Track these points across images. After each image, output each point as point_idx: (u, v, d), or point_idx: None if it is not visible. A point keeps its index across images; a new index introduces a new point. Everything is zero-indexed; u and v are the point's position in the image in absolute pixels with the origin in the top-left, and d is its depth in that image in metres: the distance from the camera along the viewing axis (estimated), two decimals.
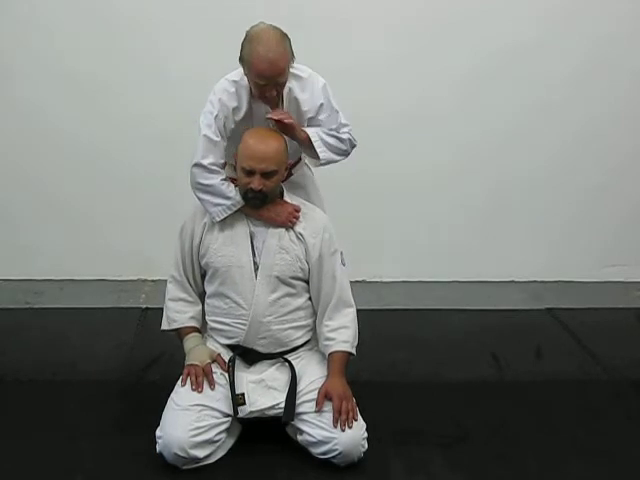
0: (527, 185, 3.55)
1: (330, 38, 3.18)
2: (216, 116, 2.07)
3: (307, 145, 2.14)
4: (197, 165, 2.09)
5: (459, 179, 3.50)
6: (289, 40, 2.01)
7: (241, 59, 2.02)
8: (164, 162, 3.26)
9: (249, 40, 1.99)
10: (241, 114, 2.12)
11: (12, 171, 3.36)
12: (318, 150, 2.12)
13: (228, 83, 2.11)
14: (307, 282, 2.19)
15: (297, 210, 2.16)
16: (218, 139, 2.09)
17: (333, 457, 1.99)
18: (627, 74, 3.43)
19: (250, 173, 2.04)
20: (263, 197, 2.07)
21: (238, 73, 2.10)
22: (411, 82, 3.33)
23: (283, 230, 2.14)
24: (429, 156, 3.43)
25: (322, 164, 2.18)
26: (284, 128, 2.08)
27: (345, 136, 2.17)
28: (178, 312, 2.24)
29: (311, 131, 2.13)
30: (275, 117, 2.05)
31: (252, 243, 2.14)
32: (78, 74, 3.22)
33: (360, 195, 3.36)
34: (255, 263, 2.13)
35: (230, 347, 2.19)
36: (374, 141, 3.21)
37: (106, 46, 3.20)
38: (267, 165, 2.02)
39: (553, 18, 3.32)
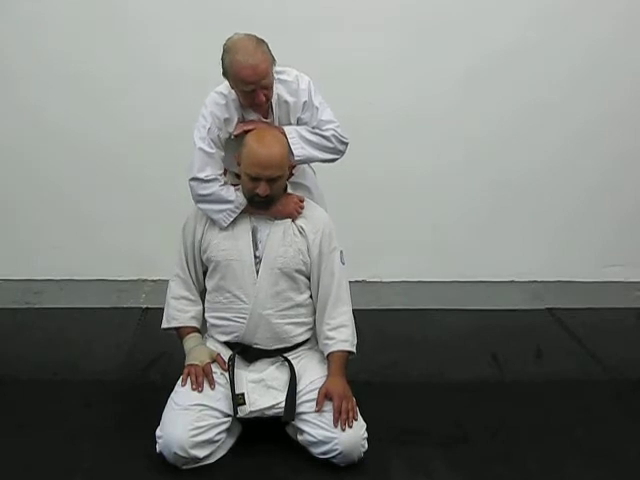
0: (527, 185, 3.55)
1: (330, 38, 3.18)
2: (209, 129, 2.09)
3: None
4: (194, 179, 2.12)
5: (459, 179, 3.50)
6: (266, 44, 2.04)
7: (224, 73, 2.05)
8: (164, 162, 3.25)
9: (226, 52, 2.02)
10: (233, 125, 2.13)
11: (12, 171, 3.37)
12: (292, 147, 2.13)
13: (217, 96, 2.13)
14: (309, 278, 2.20)
15: (301, 200, 2.20)
16: (213, 151, 2.11)
17: (333, 457, 1.99)
18: (627, 74, 3.43)
19: (256, 179, 2.05)
20: (270, 201, 2.10)
21: (226, 86, 2.12)
22: (410, 82, 3.33)
23: (287, 224, 2.16)
24: (429, 156, 3.43)
25: (301, 161, 2.18)
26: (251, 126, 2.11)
27: (329, 133, 2.17)
28: (179, 311, 2.24)
29: (288, 129, 2.15)
30: (237, 133, 2.11)
31: (254, 237, 2.16)
32: (79, 74, 3.22)
33: (360, 195, 3.36)
34: (256, 257, 2.14)
35: (229, 345, 2.20)
36: (374, 141, 3.22)
37: (108, 46, 3.20)
38: (273, 172, 2.04)
39: (552, 18, 3.32)
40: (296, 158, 2.15)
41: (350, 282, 2.26)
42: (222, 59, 2.03)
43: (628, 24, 3.36)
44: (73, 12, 3.17)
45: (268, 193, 2.06)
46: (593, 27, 3.33)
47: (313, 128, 2.17)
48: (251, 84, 2.00)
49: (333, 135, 2.17)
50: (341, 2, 3.23)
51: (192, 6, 3.19)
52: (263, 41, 2.03)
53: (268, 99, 2.08)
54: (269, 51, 2.04)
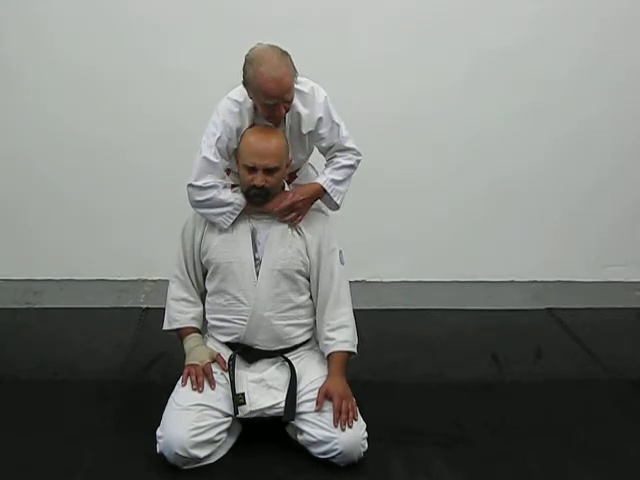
0: (527, 185, 3.55)
1: (330, 37, 3.19)
2: (219, 138, 2.07)
3: (323, 195, 2.20)
4: (191, 186, 2.11)
5: (459, 179, 3.50)
6: (289, 56, 2.00)
7: (245, 83, 2.01)
8: (165, 162, 3.26)
9: (250, 63, 1.98)
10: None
11: (13, 171, 3.36)
12: (335, 198, 2.21)
13: (231, 103, 2.09)
14: (309, 279, 2.20)
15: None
16: (217, 161, 2.09)
17: (333, 457, 1.99)
18: (626, 71, 3.43)
19: (252, 170, 2.06)
20: (266, 193, 2.09)
21: (240, 93, 2.08)
22: (410, 82, 3.32)
23: (285, 224, 2.16)
24: (429, 156, 3.43)
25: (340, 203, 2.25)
26: (297, 207, 2.15)
27: (352, 161, 2.21)
28: (180, 312, 2.24)
29: (327, 183, 2.19)
30: (283, 213, 2.14)
31: (253, 239, 2.15)
32: (82, 73, 3.22)
33: (360, 195, 3.31)
34: (256, 259, 2.14)
35: (230, 346, 2.20)
36: (374, 141, 3.21)
37: (113, 46, 3.20)
38: (269, 161, 2.04)
39: (552, 18, 3.32)
40: (339, 205, 2.23)
41: (350, 282, 2.26)
42: (244, 69, 1.99)
43: (628, 24, 3.36)
44: (75, 12, 3.17)
45: (264, 184, 2.06)
46: (591, 26, 3.33)
47: (336, 165, 2.19)
48: (274, 98, 1.97)
49: (356, 160, 2.22)
50: (341, 2, 3.23)
51: (193, 6, 3.18)
52: (287, 53, 2.00)
53: (287, 111, 2.06)
54: (292, 64, 2.00)
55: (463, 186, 3.51)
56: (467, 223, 3.55)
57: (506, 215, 3.58)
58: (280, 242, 2.15)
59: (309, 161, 2.37)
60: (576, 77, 3.41)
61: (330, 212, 2.33)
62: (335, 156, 2.21)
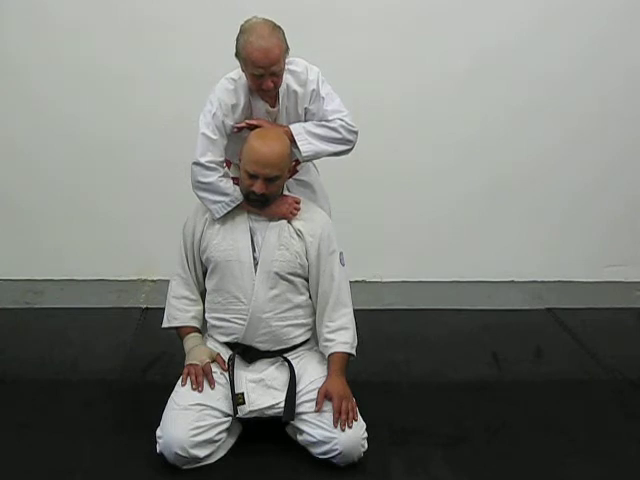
0: (527, 184, 3.55)
1: (330, 35, 3.18)
2: (214, 114, 2.09)
3: (292, 140, 2.14)
4: (195, 163, 2.11)
5: (459, 179, 3.50)
6: (282, 31, 2.05)
7: (237, 54, 2.06)
8: (166, 162, 3.26)
9: (242, 33, 2.03)
10: (239, 110, 2.13)
11: (13, 171, 3.37)
12: (299, 143, 2.13)
13: (227, 81, 2.14)
14: (307, 280, 2.20)
15: (297, 202, 2.18)
16: (216, 137, 2.10)
17: (333, 457, 1.99)
18: (623, 70, 3.43)
19: (253, 177, 2.05)
20: (265, 200, 2.10)
21: (237, 72, 2.13)
22: (409, 81, 3.33)
23: (282, 225, 2.15)
24: (429, 156, 3.44)
25: (310, 157, 2.17)
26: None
27: (336, 124, 2.14)
28: (180, 310, 2.24)
29: (294, 125, 2.15)
30: (240, 126, 2.11)
31: (252, 239, 2.15)
32: (84, 72, 3.23)
33: (360, 195, 3.36)
34: (255, 259, 2.14)
35: (229, 346, 2.20)
36: (374, 141, 3.21)
37: (116, 43, 3.21)
38: (270, 171, 2.04)
39: (551, 16, 3.32)
40: (304, 154, 2.14)
41: (350, 282, 2.26)
42: (237, 39, 2.04)
43: (628, 24, 3.36)
44: (80, 11, 3.17)
45: (264, 192, 2.06)
46: (589, 25, 3.34)
47: (320, 120, 2.16)
48: (261, 68, 2.00)
49: (341, 125, 2.15)
50: (342, 1, 3.23)
51: (197, 5, 3.18)
52: (280, 28, 2.04)
53: (276, 87, 2.08)
54: (284, 39, 2.04)
55: (463, 186, 3.51)
56: (467, 223, 3.55)
57: (506, 215, 3.58)
58: (276, 244, 2.14)
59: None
60: (576, 76, 3.41)
61: (329, 213, 2.33)
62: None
